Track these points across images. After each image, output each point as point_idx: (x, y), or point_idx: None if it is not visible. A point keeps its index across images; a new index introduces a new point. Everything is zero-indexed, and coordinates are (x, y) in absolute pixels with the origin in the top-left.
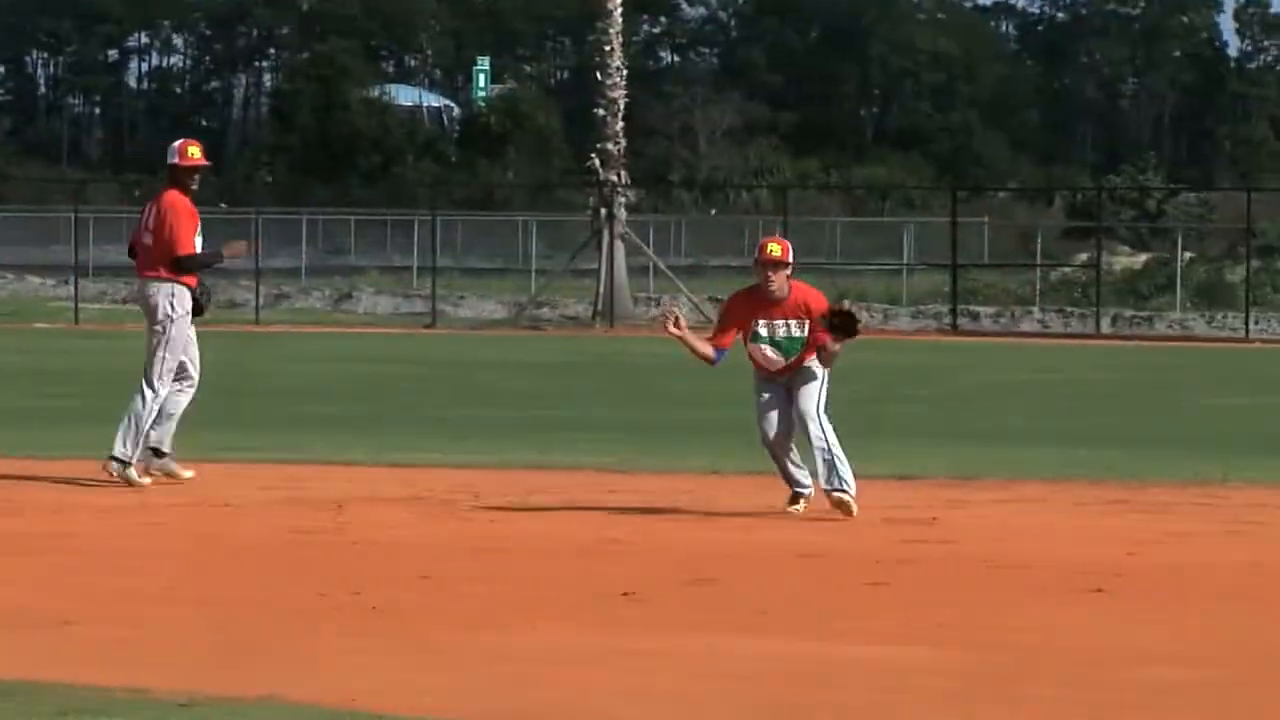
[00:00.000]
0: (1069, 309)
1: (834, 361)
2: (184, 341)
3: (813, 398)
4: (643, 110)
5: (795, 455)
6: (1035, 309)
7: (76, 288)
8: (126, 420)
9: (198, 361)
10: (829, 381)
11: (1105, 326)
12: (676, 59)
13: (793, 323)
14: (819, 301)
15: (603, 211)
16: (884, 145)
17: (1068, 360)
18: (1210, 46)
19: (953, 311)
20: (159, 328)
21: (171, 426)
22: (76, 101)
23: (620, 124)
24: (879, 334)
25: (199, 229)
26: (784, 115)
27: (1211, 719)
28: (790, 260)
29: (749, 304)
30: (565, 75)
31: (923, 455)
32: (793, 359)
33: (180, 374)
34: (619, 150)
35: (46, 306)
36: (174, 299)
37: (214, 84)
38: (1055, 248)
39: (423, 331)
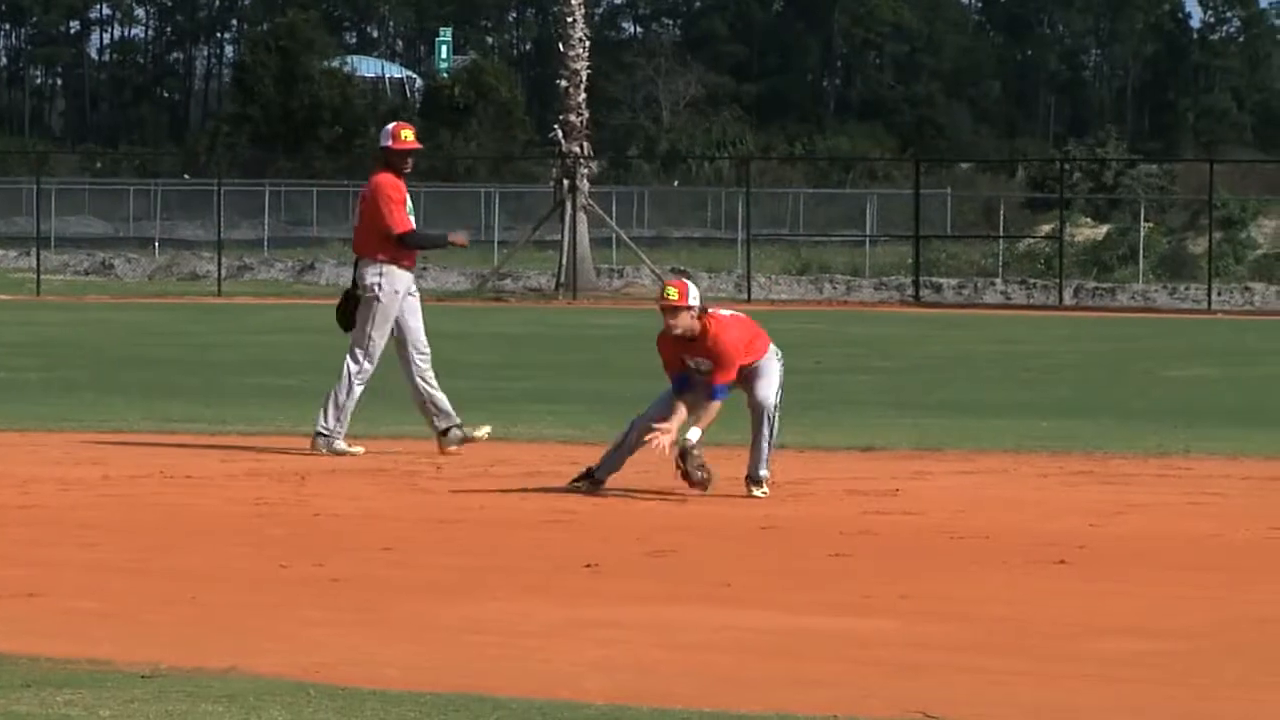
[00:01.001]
0: (1031, 280)
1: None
2: (392, 320)
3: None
4: (605, 81)
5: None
6: (998, 280)
7: (39, 259)
8: (330, 393)
9: (421, 335)
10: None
11: (1068, 298)
12: (639, 30)
13: (701, 360)
14: (729, 349)
15: (565, 183)
16: (847, 117)
17: (1030, 332)
18: (1173, 18)
19: (915, 283)
20: (368, 306)
21: (437, 397)
22: (38, 73)
23: (583, 95)
24: (841, 305)
25: (409, 207)
26: (747, 86)
27: (1174, 689)
28: (690, 303)
29: (672, 346)
30: (528, 46)
31: (885, 427)
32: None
33: (417, 349)
34: (582, 122)
35: (8, 278)
36: (382, 278)
37: (176, 55)
38: (1018, 219)
39: None
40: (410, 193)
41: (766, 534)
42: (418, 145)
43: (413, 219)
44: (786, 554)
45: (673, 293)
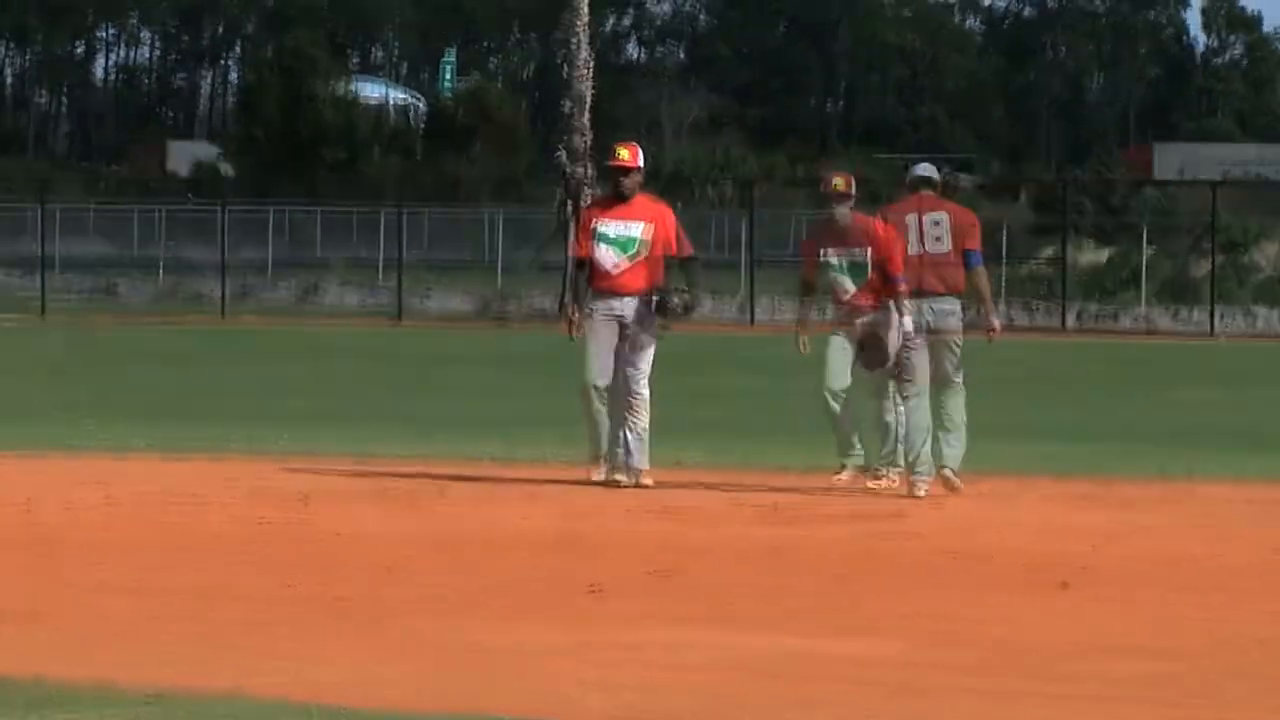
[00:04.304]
0: (1034, 303)
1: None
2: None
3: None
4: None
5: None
6: (1002, 304)
7: (43, 281)
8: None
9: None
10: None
11: (1070, 321)
12: (643, 53)
13: (857, 250)
14: (885, 234)
15: (569, 205)
16: (850, 140)
17: (1034, 355)
18: (1177, 42)
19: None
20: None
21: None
22: (43, 95)
23: (587, 118)
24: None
25: (593, 232)
26: (750, 110)
27: (1176, 711)
28: (853, 193)
29: (819, 233)
30: (532, 69)
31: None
32: (858, 289)
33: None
34: (585, 144)
35: (12, 300)
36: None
37: (180, 78)
38: (1021, 242)
39: (389, 325)
40: (412, 214)
41: (770, 555)
42: (623, 163)
43: (600, 246)
44: (790, 575)
45: (839, 182)
